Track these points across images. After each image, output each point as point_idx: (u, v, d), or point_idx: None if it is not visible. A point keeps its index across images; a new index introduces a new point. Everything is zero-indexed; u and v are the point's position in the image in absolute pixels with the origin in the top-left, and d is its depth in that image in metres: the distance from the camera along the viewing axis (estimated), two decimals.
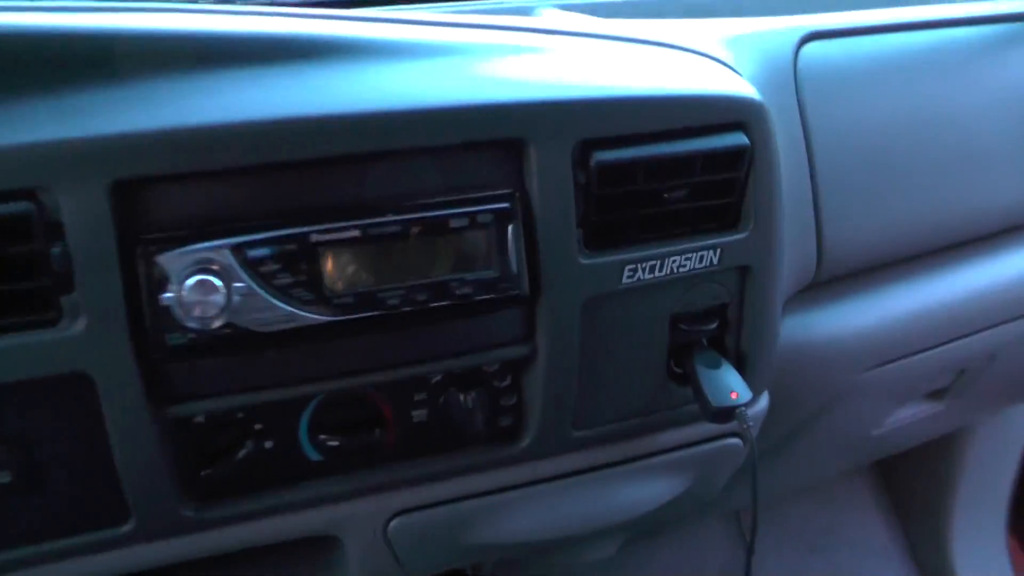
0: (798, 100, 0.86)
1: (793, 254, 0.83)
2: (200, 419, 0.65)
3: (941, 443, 1.49)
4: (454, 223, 0.62)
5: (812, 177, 0.86)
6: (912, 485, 1.59)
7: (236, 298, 0.58)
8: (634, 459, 0.78)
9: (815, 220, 0.87)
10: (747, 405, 0.71)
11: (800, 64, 0.87)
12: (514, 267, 0.64)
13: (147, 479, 0.63)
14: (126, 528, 0.64)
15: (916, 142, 0.91)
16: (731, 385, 0.72)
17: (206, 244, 0.58)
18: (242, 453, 0.66)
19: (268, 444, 0.67)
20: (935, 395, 1.18)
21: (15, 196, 0.54)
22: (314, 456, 0.69)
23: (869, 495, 1.64)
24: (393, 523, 0.73)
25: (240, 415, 0.66)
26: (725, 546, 1.54)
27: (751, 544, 0.76)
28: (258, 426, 0.67)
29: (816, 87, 0.87)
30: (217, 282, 0.58)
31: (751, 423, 0.71)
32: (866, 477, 1.64)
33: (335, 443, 0.68)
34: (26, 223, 0.54)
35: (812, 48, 0.87)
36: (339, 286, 0.60)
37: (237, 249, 0.58)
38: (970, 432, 1.50)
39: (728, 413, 0.71)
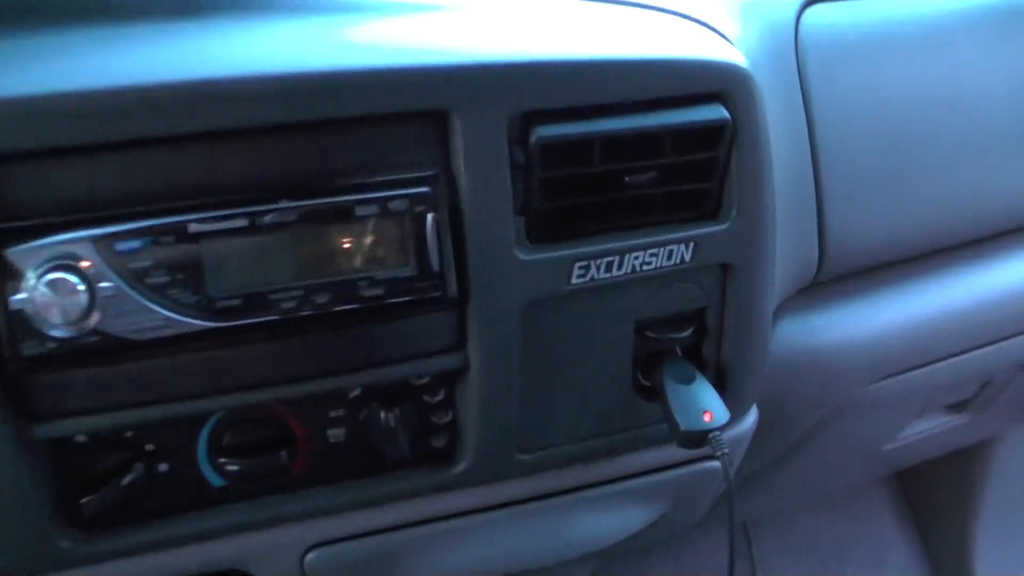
0: (799, 73, 0.76)
1: (790, 250, 0.74)
2: (82, 439, 0.56)
3: (965, 451, 1.40)
4: (361, 211, 0.52)
5: (814, 161, 0.77)
6: (933, 495, 1.50)
7: (102, 300, 0.50)
8: (594, 485, 0.68)
9: (816, 211, 0.77)
10: (723, 428, 0.61)
11: (802, 32, 0.78)
12: (435, 264, 0.54)
13: (13, 507, 0.55)
14: None
15: (934, 123, 0.81)
16: (705, 404, 0.61)
17: (65, 236, 0.49)
18: (129, 478, 0.57)
19: (163, 467, 0.59)
20: (956, 407, 1.08)
21: None
22: (216, 481, 0.60)
23: (886, 505, 1.56)
24: (310, 556, 0.64)
25: (129, 434, 0.57)
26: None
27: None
28: (150, 447, 0.58)
29: (819, 59, 0.77)
30: (77, 281, 0.49)
31: (727, 449, 0.60)
32: (883, 486, 1.56)
33: (236, 467, 0.58)
34: None
35: (815, 13, 0.79)
36: (225, 286, 0.52)
37: (102, 241, 0.50)
38: (997, 439, 1.40)
39: (699, 438, 0.60)
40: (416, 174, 0.53)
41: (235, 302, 0.52)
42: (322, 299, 0.53)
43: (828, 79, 0.76)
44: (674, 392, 0.62)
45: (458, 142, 0.53)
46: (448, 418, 0.62)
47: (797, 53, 0.76)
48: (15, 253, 0.48)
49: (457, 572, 0.68)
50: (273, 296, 0.52)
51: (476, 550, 0.68)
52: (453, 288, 0.55)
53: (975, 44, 0.83)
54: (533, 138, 0.54)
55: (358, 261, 0.53)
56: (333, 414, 0.60)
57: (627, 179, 0.58)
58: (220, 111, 0.50)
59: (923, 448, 1.12)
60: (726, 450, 0.60)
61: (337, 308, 0.53)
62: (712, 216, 0.62)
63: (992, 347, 0.92)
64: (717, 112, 0.58)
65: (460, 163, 0.53)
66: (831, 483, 1.21)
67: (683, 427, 0.60)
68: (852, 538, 1.50)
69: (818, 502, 1.49)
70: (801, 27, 0.77)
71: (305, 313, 0.53)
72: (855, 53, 0.78)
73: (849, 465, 1.11)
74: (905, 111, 0.80)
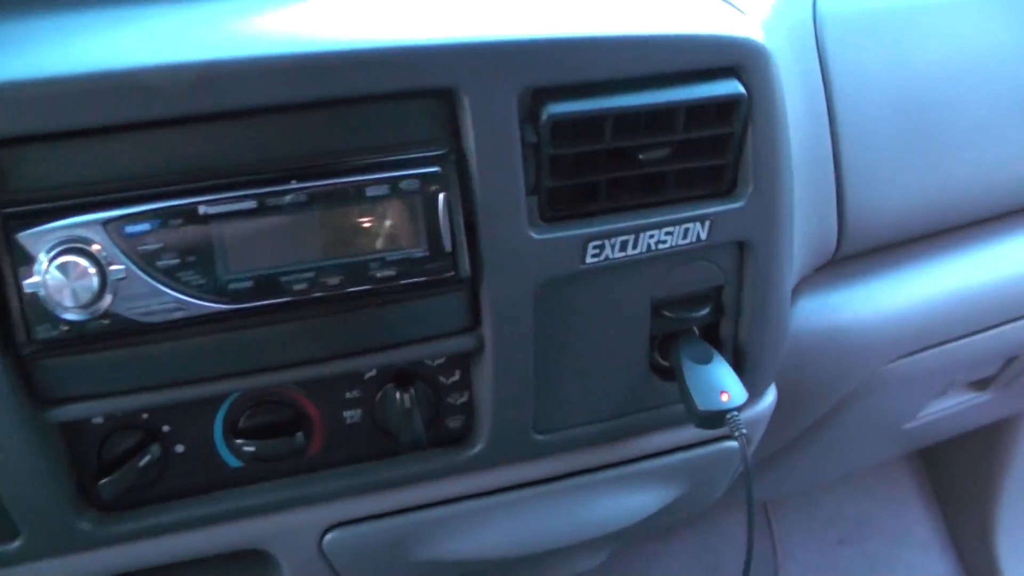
0: (816, 41, 0.74)
1: (808, 226, 0.72)
2: (98, 421, 0.57)
3: (988, 428, 1.37)
4: (372, 191, 0.52)
5: (833, 134, 0.75)
6: (956, 473, 1.48)
7: (113, 283, 0.50)
8: (611, 466, 0.67)
9: (835, 185, 0.75)
10: (741, 408, 0.60)
11: (820, 5, 0.76)
12: (447, 244, 0.53)
13: (32, 490, 0.55)
14: (16, 544, 0.57)
15: (958, 93, 0.79)
16: (722, 384, 0.61)
17: (75, 219, 0.49)
18: (146, 459, 0.58)
19: (179, 448, 0.59)
20: (979, 385, 1.06)
21: None
22: (233, 462, 0.60)
23: (907, 483, 1.54)
24: (329, 537, 0.64)
25: (145, 416, 0.57)
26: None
27: (747, 561, 0.65)
28: (166, 428, 0.58)
29: (838, 32, 0.75)
30: (88, 264, 0.49)
31: (745, 430, 0.60)
32: (904, 464, 1.54)
33: (252, 448, 0.58)
34: None
35: None
36: (235, 268, 0.51)
37: (111, 224, 0.49)
38: (1021, 417, 1.37)
39: (718, 418, 0.60)
40: (426, 153, 0.53)
41: (246, 284, 0.51)
42: (334, 280, 0.52)
43: (847, 53, 0.74)
44: (691, 372, 0.61)
45: (467, 120, 0.52)
46: (464, 399, 0.61)
47: (815, 21, 0.75)
48: (26, 237, 0.48)
49: (473, 553, 0.68)
50: (284, 278, 0.52)
51: (492, 531, 0.67)
52: (466, 268, 0.54)
53: (997, 15, 0.80)
54: (544, 115, 0.53)
55: (370, 242, 0.52)
56: (349, 395, 0.59)
57: (641, 156, 0.57)
58: (229, 92, 0.49)
59: (946, 426, 1.10)
60: (744, 430, 0.59)
61: (349, 289, 0.53)
62: (727, 193, 0.61)
63: (1015, 324, 0.89)
64: (732, 87, 0.57)
65: (470, 142, 0.53)
66: (852, 462, 1.20)
67: (701, 408, 0.59)
68: (872, 516, 1.48)
69: (838, 480, 1.48)
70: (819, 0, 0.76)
71: (317, 295, 0.52)
72: (874, 26, 0.76)
73: (870, 444, 1.10)
74: (926, 85, 0.77)
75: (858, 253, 0.81)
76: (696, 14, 0.60)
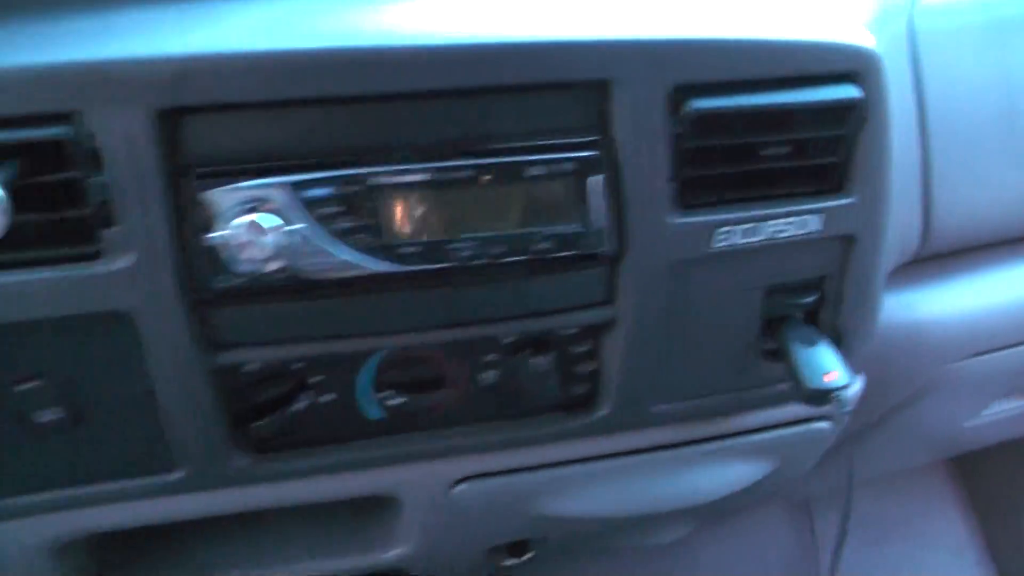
0: (910, 44, 0.78)
1: (896, 225, 0.76)
2: (254, 367, 0.61)
3: None
4: (532, 171, 0.57)
5: (923, 138, 0.78)
6: (994, 480, 1.48)
7: (290, 241, 0.54)
8: (715, 438, 0.72)
9: (923, 187, 0.79)
10: (844, 388, 0.65)
11: (916, 9, 0.79)
12: (599, 222, 0.58)
13: (194, 427, 0.60)
14: (174, 476, 0.62)
15: None
16: (827, 365, 0.65)
17: (261, 181, 0.54)
18: (297, 406, 0.62)
19: (326, 398, 0.64)
20: None
21: (51, 120, 0.50)
22: (375, 414, 0.65)
23: (943, 488, 1.54)
24: (457, 489, 0.69)
25: (297, 366, 0.62)
26: (792, 539, 1.47)
27: (840, 542, 0.70)
28: (316, 378, 0.63)
29: (932, 40, 0.78)
30: (270, 222, 0.54)
31: (850, 407, 0.64)
32: (940, 469, 1.54)
33: (397, 402, 0.64)
34: (62, 149, 0.51)
35: None
36: (404, 234, 0.56)
37: (293, 188, 0.54)
38: None
39: (824, 395, 0.64)
40: (583, 139, 0.58)
41: (414, 249, 0.56)
42: (496, 250, 0.57)
43: (943, 56, 0.77)
44: (799, 353, 0.66)
45: (620, 111, 0.57)
46: (592, 367, 0.66)
47: (910, 41, 0.78)
48: (216, 194, 0.53)
49: (583, 512, 0.73)
50: (450, 245, 0.57)
51: (603, 493, 0.72)
52: (614, 245, 0.59)
53: None
54: (687, 109, 0.58)
55: (529, 216, 0.57)
56: (487, 358, 0.64)
57: (763, 152, 0.62)
58: (406, 75, 0.54)
59: (1003, 428, 1.12)
60: (849, 408, 0.64)
61: (508, 260, 0.58)
62: (836, 189, 0.65)
63: None
64: (850, 92, 0.62)
65: (621, 130, 0.57)
66: (906, 460, 1.22)
67: (810, 386, 0.64)
68: (907, 519, 1.50)
69: (877, 481, 1.50)
70: (916, 3, 0.79)
71: (478, 263, 0.57)
72: (966, 41, 0.79)
73: (928, 442, 1.12)
74: (1014, 97, 0.80)
75: (938, 254, 0.85)
76: (820, 21, 0.65)
